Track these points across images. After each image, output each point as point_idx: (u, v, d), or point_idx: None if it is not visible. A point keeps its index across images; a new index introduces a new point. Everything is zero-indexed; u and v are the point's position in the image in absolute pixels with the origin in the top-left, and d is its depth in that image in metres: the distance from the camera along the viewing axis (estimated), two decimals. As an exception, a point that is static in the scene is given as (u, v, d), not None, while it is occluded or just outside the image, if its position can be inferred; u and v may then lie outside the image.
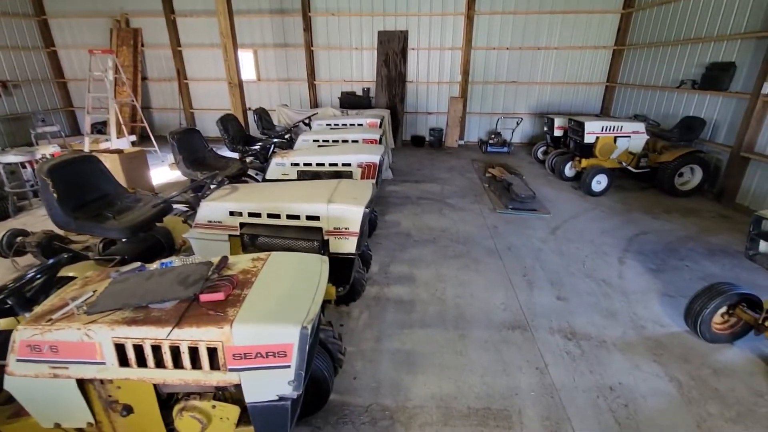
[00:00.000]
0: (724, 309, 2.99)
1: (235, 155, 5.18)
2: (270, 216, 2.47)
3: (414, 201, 6.16)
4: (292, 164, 3.88)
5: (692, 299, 3.06)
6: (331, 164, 3.89)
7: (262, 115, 6.49)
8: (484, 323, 3.29)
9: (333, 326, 2.48)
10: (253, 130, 7.02)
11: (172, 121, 11.11)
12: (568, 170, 7.19)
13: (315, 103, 10.66)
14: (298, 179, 3.88)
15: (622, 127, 6.35)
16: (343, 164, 3.88)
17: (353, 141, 4.87)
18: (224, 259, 1.68)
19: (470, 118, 10.46)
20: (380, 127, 5.99)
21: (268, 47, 10.33)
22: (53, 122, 8.74)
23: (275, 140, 5.66)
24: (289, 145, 5.40)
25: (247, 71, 10.54)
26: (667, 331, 3.22)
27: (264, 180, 3.94)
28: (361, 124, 5.98)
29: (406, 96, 10.26)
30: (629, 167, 6.53)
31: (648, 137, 6.47)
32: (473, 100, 10.30)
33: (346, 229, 2.44)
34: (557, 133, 7.73)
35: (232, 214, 2.50)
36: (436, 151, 9.84)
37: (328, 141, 5.07)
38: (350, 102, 9.98)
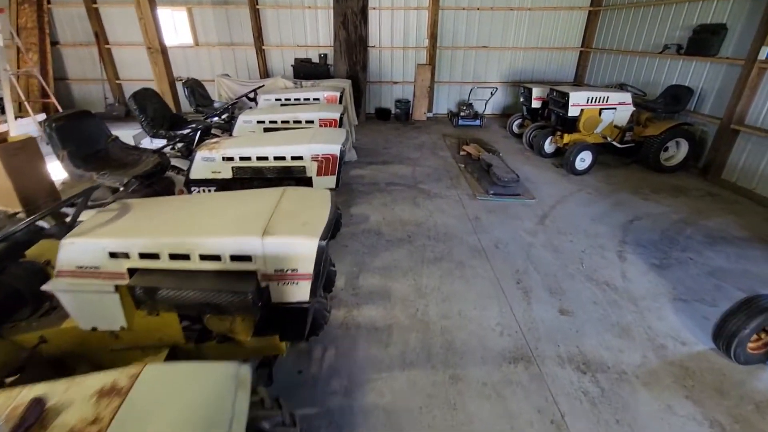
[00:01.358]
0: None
1: (160, 142, 4.12)
2: (174, 257, 1.62)
3: (383, 188, 5.37)
4: (224, 159, 2.94)
5: (725, 317, 2.55)
6: (276, 158, 2.98)
7: (195, 88, 5.33)
8: (479, 355, 2.65)
9: (283, 406, 1.72)
10: (188, 108, 5.87)
11: (95, 95, 9.51)
12: (548, 146, 6.61)
13: (265, 72, 9.39)
14: (233, 179, 2.97)
15: (608, 98, 5.77)
16: (293, 157, 2.99)
17: (308, 122, 3.95)
18: (33, 407, 0.84)
19: (439, 87, 9.62)
20: (341, 102, 5.06)
21: (204, 4, 8.84)
22: (-65, 99, 7.05)
23: (213, 119, 4.63)
24: (230, 127, 4.39)
25: (182, 34, 9.06)
26: (690, 350, 2.72)
27: (187, 180, 2.99)
28: (318, 99, 5.02)
29: (369, 63, 9.21)
30: (614, 142, 6.03)
31: (633, 109, 5.95)
32: (442, 68, 9.43)
33: (293, 271, 1.64)
34: (535, 104, 7.09)
35: (113, 255, 1.63)
36: (403, 126, 8.99)
37: (276, 122, 4.11)
38: (306, 71, 8.82)
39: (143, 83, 9.49)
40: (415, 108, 9.42)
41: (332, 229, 1.83)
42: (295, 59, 9.03)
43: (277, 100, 5.02)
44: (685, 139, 5.79)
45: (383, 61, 9.33)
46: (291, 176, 3.03)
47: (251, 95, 5.43)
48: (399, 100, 9.35)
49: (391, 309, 3.07)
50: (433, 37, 8.92)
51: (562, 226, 4.40)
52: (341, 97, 5.09)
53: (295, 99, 5.03)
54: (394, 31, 9.03)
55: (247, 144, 3.09)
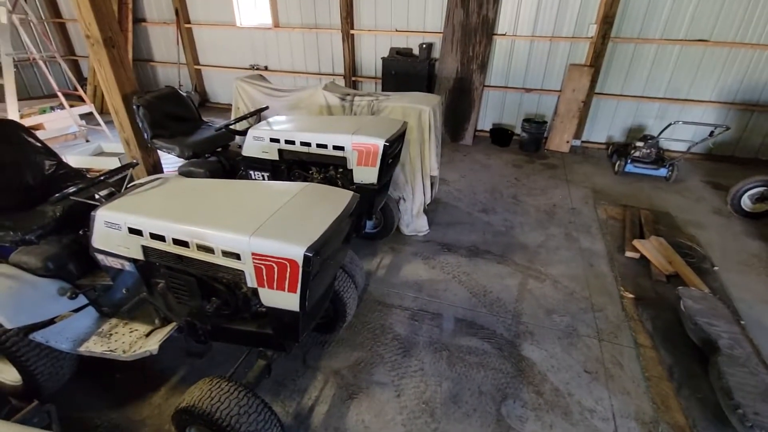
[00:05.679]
0: None
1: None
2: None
3: (440, 348, 2.62)
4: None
5: None
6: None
7: (158, 106, 3.14)
8: None
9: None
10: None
11: (172, 80, 8.49)
12: None
13: (352, 65, 7.10)
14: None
15: None
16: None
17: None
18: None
19: (600, 103, 6.07)
20: (384, 157, 2.41)
21: (287, -26, 6.87)
22: None
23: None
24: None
25: (261, 12, 7.30)
26: None
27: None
28: (342, 149, 2.45)
29: (491, 59, 6.18)
30: None
31: None
32: (612, 72, 5.85)
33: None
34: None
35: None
36: (527, 161, 5.81)
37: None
38: (398, 67, 6.31)
39: (221, 71, 8.20)
40: (555, 132, 6.11)
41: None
42: (390, 50, 6.54)
43: (273, 141, 2.62)
44: None
45: (515, 56, 6.16)
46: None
47: (240, 124, 3.05)
48: (530, 119, 6.15)
49: None
50: (606, 21, 5.41)
51: None
52: (389, 146, 2.44)
53: (303, 143, 2.56)
54: (540, 12, 5.78)
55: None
